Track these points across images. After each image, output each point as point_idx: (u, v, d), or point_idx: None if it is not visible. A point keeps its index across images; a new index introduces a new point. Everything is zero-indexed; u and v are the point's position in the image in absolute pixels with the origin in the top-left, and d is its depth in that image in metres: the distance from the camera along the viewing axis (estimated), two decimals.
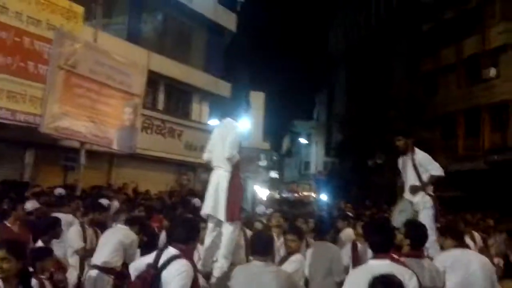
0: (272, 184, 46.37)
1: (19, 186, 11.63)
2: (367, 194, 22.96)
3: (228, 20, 22.82)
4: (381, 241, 3.65)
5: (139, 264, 3.80)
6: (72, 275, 5.91)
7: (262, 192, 30.94)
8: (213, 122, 18.52)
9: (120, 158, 17.36)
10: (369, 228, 4.05)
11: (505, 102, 21.59)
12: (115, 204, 8.59)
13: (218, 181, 4.25)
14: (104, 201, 8.55)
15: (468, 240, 8.85)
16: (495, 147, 22.27)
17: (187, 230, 3.86)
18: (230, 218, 4.08)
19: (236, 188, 4.13)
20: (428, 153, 6.40)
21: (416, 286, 3.40)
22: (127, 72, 12.42)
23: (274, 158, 56.94)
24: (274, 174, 52.73)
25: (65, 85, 10.62)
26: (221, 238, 4.25)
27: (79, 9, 13.05)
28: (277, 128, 53.21)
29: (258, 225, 6.50)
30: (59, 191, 10.39)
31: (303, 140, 47.41)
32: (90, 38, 13.07)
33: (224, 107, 4.65)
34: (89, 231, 6.44)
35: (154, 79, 18.17)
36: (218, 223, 4.26)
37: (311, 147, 46.75)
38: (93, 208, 6.95)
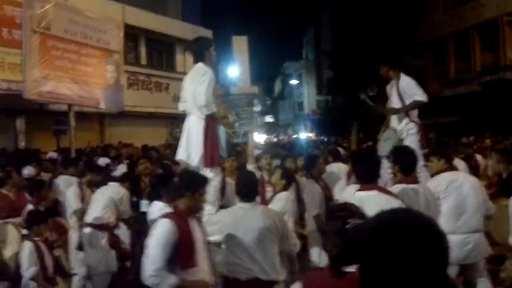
0: (268, 128, 46.46)
1: (16, 154, 11.73)
2: (361, 128, 22.95)
3: None
4: (367, 171, 3.60)
5: None
6: (72, 236, 6.01)
7: (259, 137, 31.07)
8: None
9: (111, 118, 17.30)
10: (354, 158, 3.98)
11: (494, 19, 21.17)
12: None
13: (189, 127, 4.20)
14: (102, 161, 8.54)
15: (465, 164, 9.07)
16: (487, 67, 22.09)
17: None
18: (208, 163, 4.03)
19: (211, 134, 4.07)
20: (420, 80, 6.31)
21: None
22: (103, 28, 12.11)
23: (268, 102, 56.69)
24: (269, 118, 52.73)
25: (42, 48, 10.40)
26: None
27: None
28: (268, 72, 52.71)
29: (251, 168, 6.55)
30: (50, 155, 10.51)
31: (294, 81, 47.04)
32: None
33: (191, 52, 4.41)
34: (87, 192, 6.43)
35: (133, 34, 17.75)
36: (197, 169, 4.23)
37: (303, 87, 46.47)
38: (90, 168, 6.94)
